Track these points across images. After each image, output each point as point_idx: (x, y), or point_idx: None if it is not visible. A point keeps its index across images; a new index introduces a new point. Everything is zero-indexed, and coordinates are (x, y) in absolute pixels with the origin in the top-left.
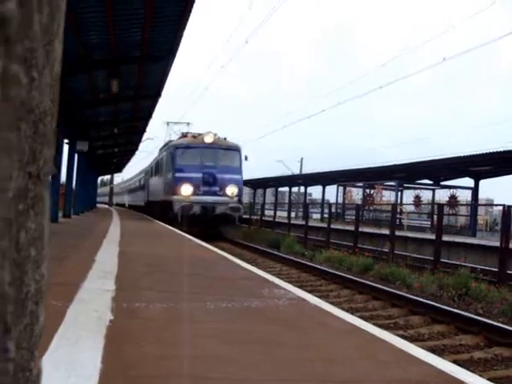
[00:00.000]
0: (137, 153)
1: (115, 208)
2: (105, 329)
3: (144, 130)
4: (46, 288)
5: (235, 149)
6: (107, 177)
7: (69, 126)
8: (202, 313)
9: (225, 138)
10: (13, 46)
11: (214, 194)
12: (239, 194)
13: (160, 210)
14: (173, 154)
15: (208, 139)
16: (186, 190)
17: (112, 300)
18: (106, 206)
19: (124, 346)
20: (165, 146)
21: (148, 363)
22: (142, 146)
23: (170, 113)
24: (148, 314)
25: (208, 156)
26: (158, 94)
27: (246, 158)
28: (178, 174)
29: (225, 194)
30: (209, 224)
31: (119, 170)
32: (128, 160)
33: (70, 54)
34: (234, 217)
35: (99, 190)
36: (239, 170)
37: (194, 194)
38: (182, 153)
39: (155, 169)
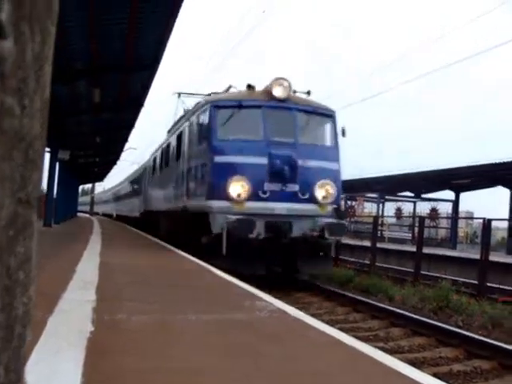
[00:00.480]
0: (118, 162)
1: (99, 218)
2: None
3: (126, 140)
4: (33, 308)
5: (328, 114)
6: (89, 185)
7: (50, 135)
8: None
9: (307, 92)
10: (7, 80)
11: (292, 198)
12: (337, 200)
13: (175, 226)
14: (210, 118)
15: (279, 92)
16: (236, 189)
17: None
18: (88, 215)
19: (105, 359)
20: (186, 114)
21: (129, 376)
22: (123, 155)
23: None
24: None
25: (279, 124)
26: (140, 104)
27: (343, 133)
28: (218, 158)
29: (312, 200)
30: (282, 257)
31: (100, 179)
32: (109, 169)
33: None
34: (329, 244)
35: (81, 199)
36: (335, 154)
37: (253, 197)
38: (226, 117)
39: (163, 158)
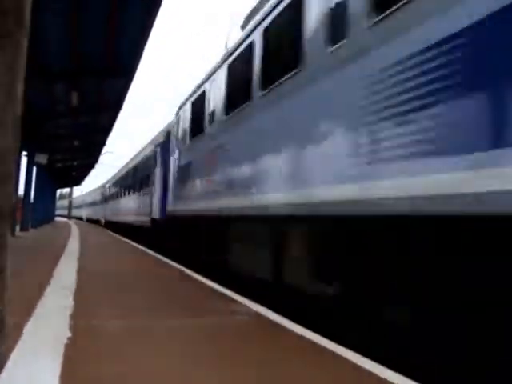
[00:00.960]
0: (96, 166)
1: (81, 225)
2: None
3: (104, 143)
4: (6, 316)
5: None
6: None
7: (28, 138)
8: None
9: None
10: None
11: None
12: None
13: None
14: None
15: None
16: None
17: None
18: (65, 220)
19: (82, 365)
20: None
21: (106, 382)
22: (101, 159)
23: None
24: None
25: None
26: (118, 107)
27: None
28: None
29: None
30: None
31: (78, 183)
32: (87, 173)
33: (29, 65)
34: None
35: (59, 203)
36: None
37: None
38: None
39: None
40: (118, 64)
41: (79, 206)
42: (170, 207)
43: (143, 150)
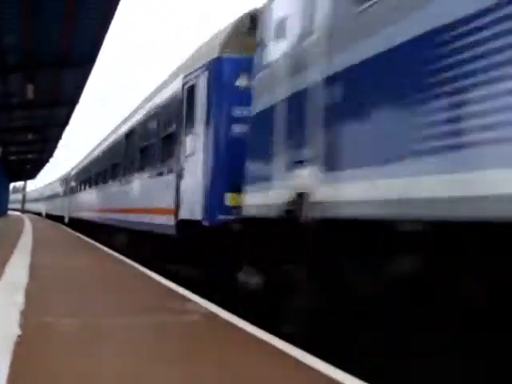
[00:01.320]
0: (50, 160)
1: (40, 223)
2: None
3: (60, 138)
4: None
5: None
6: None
7: None
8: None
9: None
10: None
11: None
12: None
13: None
14: None
15: None
16: None
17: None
18: (18, 214)
19: (32, 364)
20: None
21: (56, 381)
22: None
23: None
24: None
25: None
26: (75, 102)
27: None
28: None
29: None
30: None
31: (32, 176)
32: (42, 167)
33: None
34: None
35: (13, 197)
36: None
37: None
38: None
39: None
40: (75, 57)
41: (36, 200)
42: (256, 198)
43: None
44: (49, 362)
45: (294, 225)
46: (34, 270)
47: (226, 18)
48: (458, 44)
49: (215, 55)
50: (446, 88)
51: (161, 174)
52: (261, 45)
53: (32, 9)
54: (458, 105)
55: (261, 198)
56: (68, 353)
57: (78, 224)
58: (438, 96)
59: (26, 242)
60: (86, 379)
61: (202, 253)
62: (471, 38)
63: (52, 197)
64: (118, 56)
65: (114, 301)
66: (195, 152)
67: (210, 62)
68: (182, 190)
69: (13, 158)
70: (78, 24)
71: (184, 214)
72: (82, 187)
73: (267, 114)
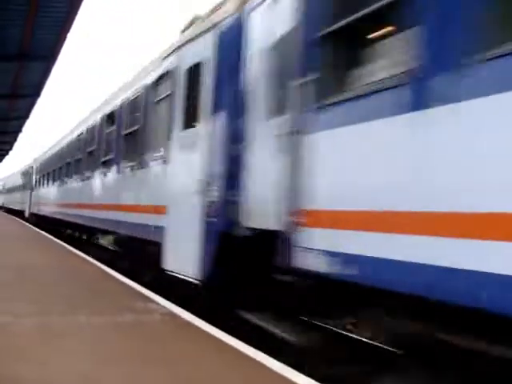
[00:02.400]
0: (10, 153)
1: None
2: None
3: (20, 130)
4: None
5: None
6: None
7: None
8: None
9: None
10: None
11: None
12: None
13: None
14: None
15: None
16: None
17: None
18: None
19: None
20: None
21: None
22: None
23: None
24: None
25: None
26: (36, 95)
27: None
28: None
29: None
30: None
31: None
32: (1, 160)
33: None
34: None
35: None
36: None
37: None
38: None
39: None
40: (36, 50)
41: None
42: None
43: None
44: (5, 363)
45: None
46: None
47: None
48: None
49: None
50: None
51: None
52: None
53: None
54: None
55: None
56: (24, 353)
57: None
58: None
59: None
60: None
61: None
62: None
63: (11, 190)
64: (87, 50)
65: (74, 299)
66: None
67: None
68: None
69: None
70: (41, 17)
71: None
72: (42, 181)
73: None
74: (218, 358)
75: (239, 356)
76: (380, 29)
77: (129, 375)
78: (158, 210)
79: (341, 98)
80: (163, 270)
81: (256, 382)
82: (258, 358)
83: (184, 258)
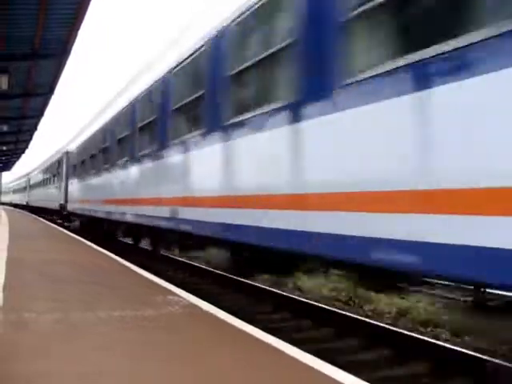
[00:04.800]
0: (26, 151)
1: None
2: None
3: (35, 129)
4: None
5: None
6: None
7: None
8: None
9: None
10: None
11: None
12: None
13: None
14: None
15: None
16: None
17: None
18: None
19: (12, 363)
20: None
21: (37, 381)
22: (32, 144)
23: None
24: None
25: None
26: (50, 92)
27: None
28: None
29: None
30: None
31: (8, 168)
32: (17, 159)
33: None
34: None
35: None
36: None
37: None
38: None
39: None
40: (50, 47)
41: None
42: None
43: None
44: (27, 359)
45: None
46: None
47: None
48: None
49: None
50: None
51: None
52: None
53: (5, 2)
54: None
55: None
56: (46, 350)
57: None
58: None
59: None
60: (63, 378)
61: None
62: None
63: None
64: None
65: (95, 295)
66: None
67: None
68: None
69: None
70: (52, 14)
71: None
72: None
73: None
74: (242, 351)
75: (263, 346)
76: None
77: (156, 370)
78: None
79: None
80: None
81: (286, 378)
82: (291, 353)
83: None
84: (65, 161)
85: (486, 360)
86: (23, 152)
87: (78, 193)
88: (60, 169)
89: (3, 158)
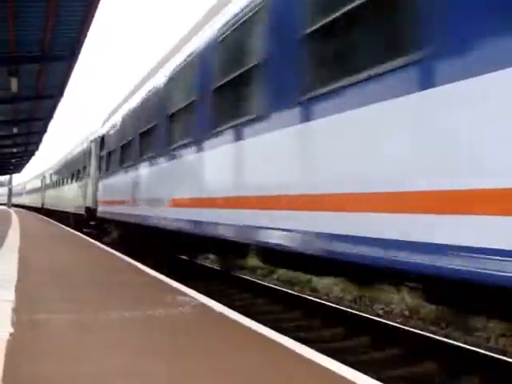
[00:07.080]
0: (36, 153)
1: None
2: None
3: (45, 131)
4: None
5: None
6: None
7: None
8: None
9: None
10: None
11: None
12: None
13: None
14: None
15: None
16: None
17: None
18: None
19: (24, 363)
20: None
21: (49, 381)
22: (42, 146)
23: None
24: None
25: None
26: (59, 94)
27: None
28: None
29: None
30: None
31: (18, 170)
32: (27, 161)
33: None
34: None
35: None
36: None
37: None
38: None
39: None
40: (58, 50)
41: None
42: None
43: None
44: (40, 361)
45: None
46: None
47: None
48: None
49: None
50: None
51: None
52: None
53: (15, 2)
54: None
55: None
56: (60, 351)
57: None
58: None
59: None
60: (76, 378)
61: None
62: None
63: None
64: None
65: (103, 294)
66: None
67: None
68: None
69: None
70: (61, 16)
71: None
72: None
73: None
74: (256, 352)
75: (275, 346)
76: None
77: (169, 369)
78: None
79: None
80: None
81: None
82: (306, 355)
83: None
84: (93, 150)
85: (499, 359)
86: (33, 154)
87: (117, 192)
88: (87, 161)
89: (13, 161)
